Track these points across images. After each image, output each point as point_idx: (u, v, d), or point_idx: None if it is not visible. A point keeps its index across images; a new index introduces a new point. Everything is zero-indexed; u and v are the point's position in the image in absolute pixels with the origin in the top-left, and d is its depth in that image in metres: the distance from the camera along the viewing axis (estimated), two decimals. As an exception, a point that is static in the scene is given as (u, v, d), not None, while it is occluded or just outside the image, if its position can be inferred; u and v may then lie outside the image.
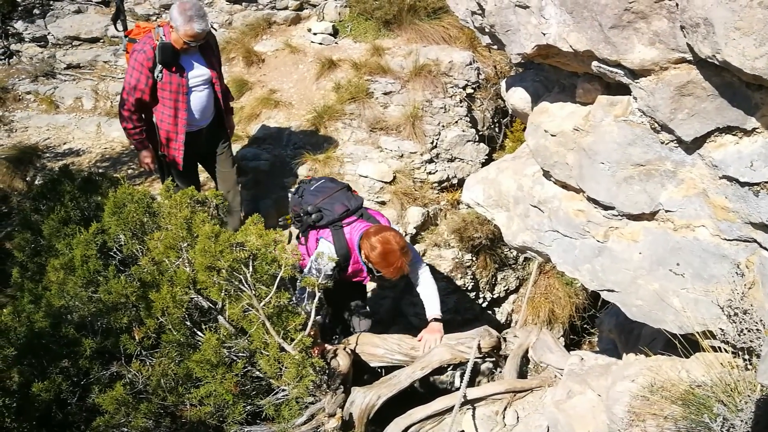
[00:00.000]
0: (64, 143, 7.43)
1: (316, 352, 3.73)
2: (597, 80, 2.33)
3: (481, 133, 6.93)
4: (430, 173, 6.42)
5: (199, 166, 5.48)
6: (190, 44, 4.71)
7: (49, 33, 8.36)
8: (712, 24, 1.75)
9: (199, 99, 4.98)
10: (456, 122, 6.69)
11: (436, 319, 4.06)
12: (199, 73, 4.93)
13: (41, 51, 8.38)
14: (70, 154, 7.24)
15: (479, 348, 3.80)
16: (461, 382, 4.02)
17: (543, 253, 2.69)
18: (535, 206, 2.66)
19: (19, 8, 8.42)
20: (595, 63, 2.15)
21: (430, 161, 6.43)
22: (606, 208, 2.39)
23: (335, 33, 7.63)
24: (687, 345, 2.37)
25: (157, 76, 4.74)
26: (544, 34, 2.20)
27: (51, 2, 8.50)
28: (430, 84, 6.70)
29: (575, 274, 2.57)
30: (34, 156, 7.15)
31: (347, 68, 6.98)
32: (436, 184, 6.44)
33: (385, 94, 6.71)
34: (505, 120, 7.24)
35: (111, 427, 3.30)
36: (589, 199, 2.42)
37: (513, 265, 6.68)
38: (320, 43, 7.52)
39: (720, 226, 2.12)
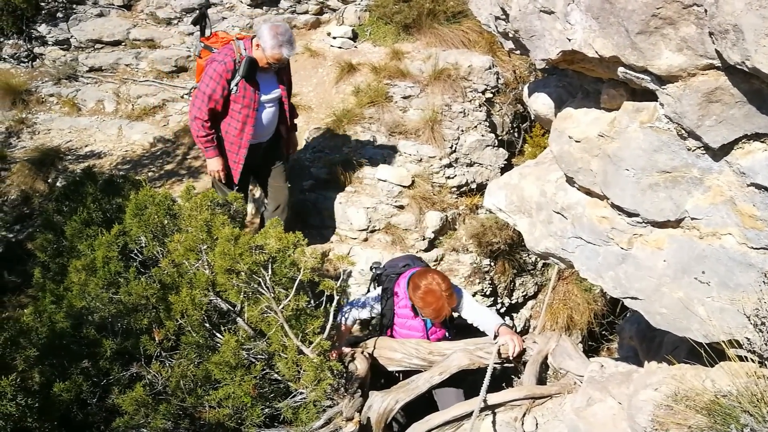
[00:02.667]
0: (86, 145, 7.50)
1: (335, 355, 3.73)
2: (622, 86, 2.31)
3: (500, 137, 6.91)
4: (448, 178, 6.40)
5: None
6: (272, 65, 4.84)
7: (71, 36, 8.45)
8: (742, 30, 1.73)
9: (266, 115, 5.09)
10: (475, 127, 6.67)
11: (505, 325, 4.04)
12: (271, 90, 5.04)
13: (64, 54, 8.47)
14: (92, 156, 7.31)
15: (498, 353, 3.77)
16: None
17: (566, 259, 2.67)
18: (558, 212, 2.65)
19: (43, 12, 8.53)
20: (621, 69, 2.13)
21: (449, 166, 6.41)
22: (630, 215, 2.36)
23: (355, 37, 7.65)
24: (712, 354, 2.34)
25: (232, 89, 4.82)
26: (570, 40, 2.18)
27: (74, 6, 8.60)
28: (449, 88, 6.68)
29: (598, 281, 2.55)
30: (56, 158, 7.22)
31: (366, 72, 6.98)
32: (455, 189, 6.42)
33: (405, 98, 6.70)
34: (524, 125, 7.21)
35: (130, 427, 3.33)
36: (614, 206, 2.40)
37: (531, 271, 6.65)
38: (340, 47, 7.54)
39: (747, 234, 2.09)
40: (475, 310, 4.18)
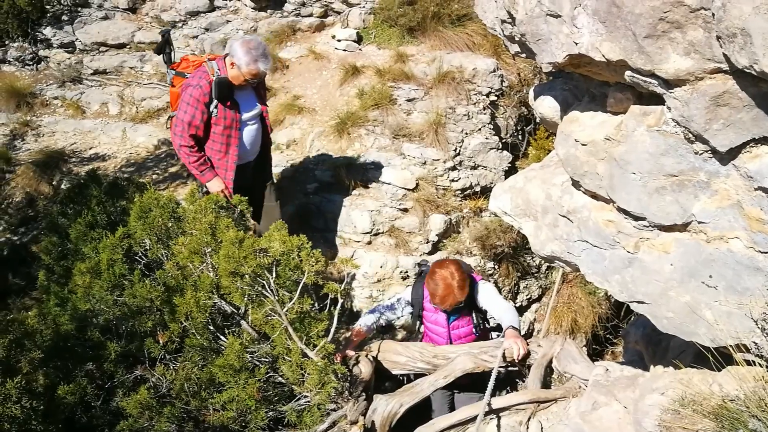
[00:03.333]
0: (90, 148, 7.52)
1: (339, 358, 3.73)
2: (629, 90, 2.30)
3: (504, 140, 6.90)
4: (452, 180, 6.40)
5: None
6: (250, 81, 4.74)
7: (76, 39, 8.48)
8: (750, 34, 1.72)
9: (249, 133, 5.00)
10: (479, 130, 6.67)
11: (513, 328, 4.01)
12: (251, 107, 4.95)
13: (69, 57, 8.50)
14: (96, 158, 7.32)
15: (503, 357, 3.76)
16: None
17: (572, 263, 2.66)
18: (563, 216, 2.64)
19: (48, 15, 8.55)
20: (628, 73, 2.13)
21: (453, 168, 6.41)
22: (637, 218, 2.36)
23: (359, 40, 7.65)
24: (719, 358, 2.33)
25: (212, 112, 4.73)
26: (576, 44, 2.18)
27: (79, 9, 8.62)
28: (453, 91, 6.68)
29: (604, 285, 2.54)
30: (61, 160, 7.24)
31: (371, 75, 6.99)
32: (459, 192, 6.42)
33: (409, 100, 6.70)
34: (528, 128, 7.20)
35: (134, 430, 3.33)
36: (620, 209, 2.39)
37: (536, 274, 6.64)
38: (344, 50, 7.55)
39: (755, 238, 2.09)
40: (494, 304, 4.17)
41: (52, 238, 4.48)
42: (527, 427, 3.51)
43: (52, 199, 6.77)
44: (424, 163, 6.32)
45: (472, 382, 4.00)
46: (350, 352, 3.93)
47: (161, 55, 5.27)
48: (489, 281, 4.44)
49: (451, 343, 4.26)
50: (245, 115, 4.90)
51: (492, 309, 4.17)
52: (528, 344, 3.91)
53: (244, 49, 4.63)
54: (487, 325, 4.35)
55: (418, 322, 4.45)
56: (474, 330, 4.26)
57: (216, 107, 4.72)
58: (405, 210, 6.06)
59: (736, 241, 2.16)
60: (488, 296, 4.19)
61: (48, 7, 8.51)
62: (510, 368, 3.92)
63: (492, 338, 4.37)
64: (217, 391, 3.50)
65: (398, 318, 4.43)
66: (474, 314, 4.22)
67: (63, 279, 4.23)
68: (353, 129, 6.52)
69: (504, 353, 3.77)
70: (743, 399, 2.20)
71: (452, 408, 4.47)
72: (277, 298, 3.42)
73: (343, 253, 5.78)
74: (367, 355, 3.96)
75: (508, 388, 4.12)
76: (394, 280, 5.90)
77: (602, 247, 2.51)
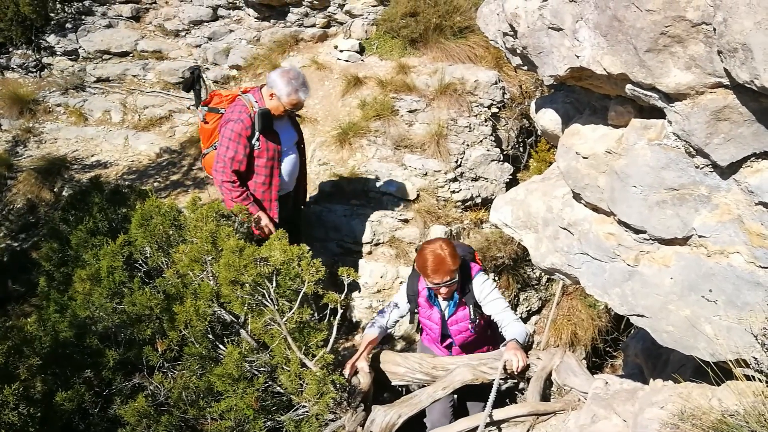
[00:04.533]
0: (92, 155, 7.54)
1: (348, 368, 3.74)
2: (630, 103, 2.31)
3: (505, 152, 6.92)
4: (453, 192, 6.41)
5: None
6: (289, 112, 4.74)
7: (80, 47, 8.52)
8: (751, 50, 1.73)
9: (289, 163, 4.97)
10: (481, 141, 6.69)
11: (515, 341, 3.87)
12: (289, 136, 4.94)
13: (72, 64, 8.54)
14: (98, 166, 7.34)
15: (504, 369, 3.75)
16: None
17: (572, 275, 2.66)
18: (564, 228, 2.64)
19: (52, 22, 8.60)
20: (629, 86, 2.14)
21: (454, 180, 6.42)
22: (637, 231, 2.36)
23: (361, 50, 7.68)
24: (719, 372, 2.32)
25: (254, 145, 4.68)
26: (578, 57, 2.19)
27: (83, 17, 8.67)
28: (455, 102, 6.70)
29: (604, 298, 2.54)
30: (63, 167, 7.26)
31: (373, 85, 7.01)
32: (460, 203, 6.43)
33: (410, 111, 6.72)
34: (529, 140, 7.22)
35: (132, 439, 3.32)
36: (620, 222, 2.39)
37: (536, 286, 6.63)
38: (346, 60, 7.58)
39: (755, 253, 2.08)
40: (493, 306, 4.01)
41: (53, 245, 4.49)
42: (526, 440, 3.50)
43: (53, 205, 6.78)
44: (426, 174, 6.33)
45: (472, 390, 3.96)
46: (349, 363, 3.89)
47: (191, 92, 5.20)
48: (489, 275, 4.24)
49: (449, 336, 4.20)
50: (284, 145, 4.87)
51: (490, 309, 4.03)
52: (528, 357, 3.89)
53: (284, 80, 4.62)
54: (482, 320, 4.16)
55: (416, 319, 4.34)
56: (470, 327, 4.11)
57: (258, 140, 4.67)
58: (406, 221, 6.07)
59: (736, 256, 2.16)
60: (485, 292, 4.03)
61: (52, 15, 8.56)
62: (510, 380, 3.90)
63: (489, 334, 4.28)
64: (215, 400, 3.50)
65: (391, 321, 4.24)
66: (471, 308, 4.06)
67: (63, 286, 4.24)
68: (355, 139, 6.54)
69: (504, 365, 3.75)
70: (743, 414, 2.19)
71: (455, 414, 4.40)
72: (276, 307, 3.42)
73: (343, 263, 5.78)
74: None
75: (507, 401, 4.11)
76: (394, 290, 5.89)
77: (602, 259, 2.51)
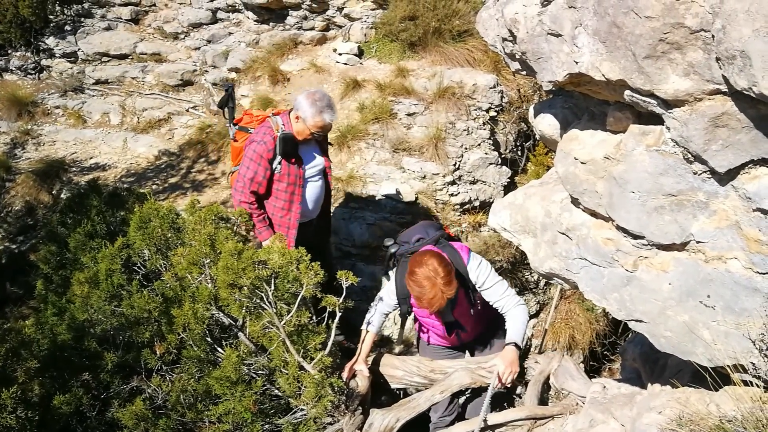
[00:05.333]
0: (91, 157, 7.54)
1: (347, 371, 3.70)
2: (628, 109, 2.32)
3: (503, 156, 6.93)
4: (452, 195, 6.42)
5: None
6: (315, 135, 4.63)
7: (79, 49, 8.53)
8: (749, 57, 1.74)
9: (313, 190, 4.85)
10: (479, 145, 6.70)
11: (516, 345, 3.73)
12: (315, 163, 4.81)
13: (71, 66, 8.54)
14: (96, 168, 7.34)
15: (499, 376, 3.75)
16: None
17: (570, 280, 2.67)
18: (563, 233, 2.65)
19: (51, 24, 8.61)
20: (627, 92, 2.14)
21: (453, 183, 6.43)
22: (636, 237, 2.36)
23: (360, 54, 7.70)
24: (717, 378, 2.33)
25: (275, 168, 4.61)
26: (577, 63, 2.20)
27: (82, 19, 8.68)
28: (453, 106, 6.72)
29: (603, 303, 2.54)
30: (61, 169, 7.26)
31: (371, 89, 7.03)
32: (458, 206, 6.44)
33: (409, 115, 6.74)
34: (527, 143, 7.24)
35: (130, 442, 3.31)
36: (619, 227, 2.40)
37: (534, 290, 6.64)
38: (345, 64, 7.59)
39: (753, 259, 2.09)
40: (493, 292, 3.81)
41: (51, 247, 4.48)
42: (524, 444, 3.50)
43: (51, 208, 6.78)
44: (424, 177, 6.35)
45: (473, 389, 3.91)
46: (347, 366, 3.87)
47: (224, 109, 5.17)
48: (479, 256, 3.95)
49: (455, 326, 4.02)
50: (309, 171, 4.76)
51: (489, 296, 3.83)
52: (528, 359, 3.85)
53: (309, 101, 4.53)
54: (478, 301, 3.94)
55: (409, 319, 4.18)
56: (471, 311, 3.92)
57: (280, 163, 4.60)
58: (404, 223, 6.07)
59: (734, 262, 2.16)
60: (482, 279, 3.81)
61: (51, 17, 8.57)
62: (505, 388, 3.86)
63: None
64: (213, 404, 3.49)
65: (379, 316, 4.09)
66: (470, 294, 3.87)
67: (61, 288, 4.23)
68: (353, 142, 6.55)
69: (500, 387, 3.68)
70: (740, 420, 2.20)
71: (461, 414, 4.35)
72: (275, 310, 3.41)
73: (341, 266, 5.77)
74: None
75: (505, 404, 4.10)
76: (392, 294, 5.89)
77: (601, 264, 2.51)
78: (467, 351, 4.39)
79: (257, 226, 4.71)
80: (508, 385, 3.71)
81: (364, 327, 4.08)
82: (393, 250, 4.07)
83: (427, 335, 4.32)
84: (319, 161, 4.83)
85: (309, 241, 4.81)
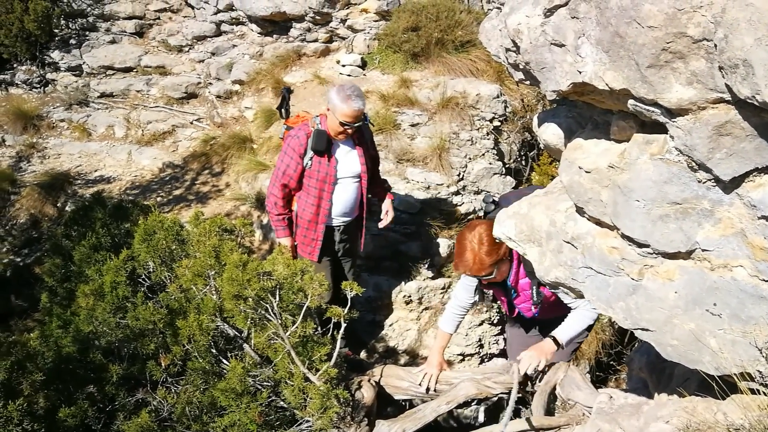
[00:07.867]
0: (96, 170, 7.58)
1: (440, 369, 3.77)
2: (632, 118, 2.32)
3: (507, 165, 6.94)
4: (456, 205, 6.42)
5: None
6: (346, 126, 4.59)
7: (84, 62, 8.59)
8: (752, 65, 1.74)
9: (344, 192, 4.86)
10: (483, 155, 6.71)
11: (554, 339, 3.72)
12: (349, 165, 4.83)
13: (76, 80, 8.60)
14: (101, 181, 7.37)
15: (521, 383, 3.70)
16: (485, 417, 3.96)
17: (576, 289, 2.66)
18: (568, 242, 2.64)
19: (56, 38, 8.67)
20: (631, 101, 2.14)
21: (457, 193, 6.43)
22: (641, 245, 2.36)
23: (364, 65, 7.73)
24: (724, 386, 2.31)
25: (306, 164, 4.69)
26: (580, 72, 2.20)
27: (87, 32, 8.75)
28: (457, 116, 6.73)
29: (609, 312, 2.53)
30: (66, 182, 7.29)
31: (375, 99, 7.05)
32: (463, 216, 6.43)
33: (413, 125, 6.75)
34: (531, 153, 7.24)
35: (135, 454, 3.30)
36: (624, 236, 2.39)
37: (539, 299, 6.61)
38: (349, 75, 7.63)
39: (759, 266, 2.08)
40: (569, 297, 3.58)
41: (56, 260, 4.49)
42: (530, 455, 3.48)
43: (56, 220, 6.80)
44: (428, 187, 6.35)
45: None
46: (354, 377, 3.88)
47: (281, 111, 5.35)
48: None
49: (517, 312, 4.11)
50: (340, 172, 4.79)
51: (563, 296, 3.71)
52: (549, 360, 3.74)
53: (336, 90, 4.61)
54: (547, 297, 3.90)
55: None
56: (532, 307, 3.94)
57: (311, 159, 4.68)
58: (409, 234, 6.07)
59: (740, 270, 2.16)
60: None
61: (56, 31, 8.64)
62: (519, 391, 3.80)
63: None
64: (218, 415, 3.48)
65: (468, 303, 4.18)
66: (534, 290, 3.88)
67: (66, 301, 4.24)
68: (357, 153, 6.55)
69: (522, 379, 3.65)
70: (748, 428, 2.19)
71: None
72: (280, 321, 3.42)
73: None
74: (369, 380, 3.94)
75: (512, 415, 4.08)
76: (397, 304, 5.89)
77: (607, 273, 2.50)
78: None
79: (277, 222, 4.86)
80: (531, 373, 3.64)
81: (441, 322, 4.20)
82: (490, 211, 3.81)
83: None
84: (353, 164, 4.84)
85: (335, 245, 4.98)
